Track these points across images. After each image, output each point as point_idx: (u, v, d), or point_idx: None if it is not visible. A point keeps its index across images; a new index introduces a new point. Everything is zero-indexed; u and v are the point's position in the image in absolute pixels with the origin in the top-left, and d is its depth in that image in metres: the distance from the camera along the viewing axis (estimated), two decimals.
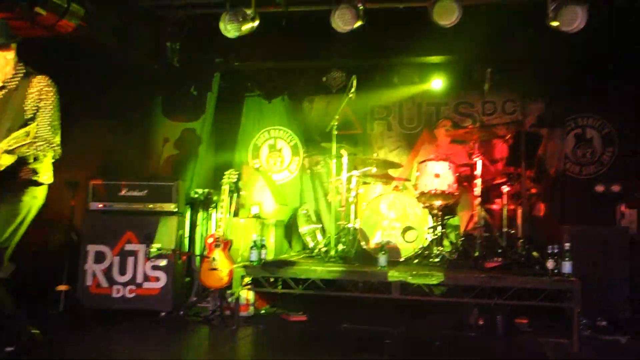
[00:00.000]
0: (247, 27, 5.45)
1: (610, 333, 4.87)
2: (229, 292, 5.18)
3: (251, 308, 5.52)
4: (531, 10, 5.48)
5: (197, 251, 6.24)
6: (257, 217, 6.67)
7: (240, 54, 6.91)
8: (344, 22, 5.27)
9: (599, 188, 6.71)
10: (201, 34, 6.38)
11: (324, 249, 6.07)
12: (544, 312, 5.10)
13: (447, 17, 5.10)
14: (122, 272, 5.62)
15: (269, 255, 5.67)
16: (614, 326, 4.99)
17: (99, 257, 5.64)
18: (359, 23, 5.29)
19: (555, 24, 5.08)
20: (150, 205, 5.74)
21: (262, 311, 5.77)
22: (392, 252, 5.56)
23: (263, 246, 5.17)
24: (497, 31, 5.94)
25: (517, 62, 6.76)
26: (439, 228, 5.85)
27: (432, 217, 5.85)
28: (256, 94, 7.80)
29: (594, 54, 6.43)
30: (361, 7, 5.27)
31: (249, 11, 5.41)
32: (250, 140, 8.07)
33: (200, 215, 6.48)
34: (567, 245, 4.63)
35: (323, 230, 7.24)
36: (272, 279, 5.21)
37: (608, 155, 7.03)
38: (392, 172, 6.80)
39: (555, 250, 4.66)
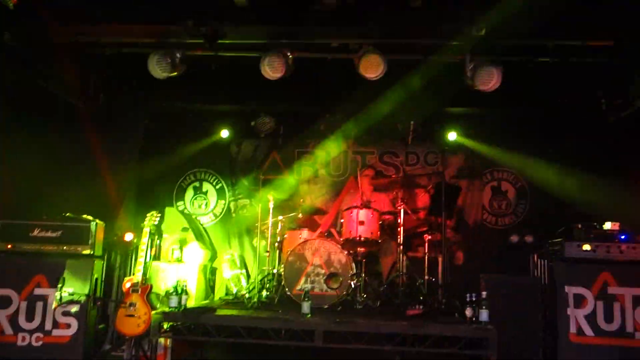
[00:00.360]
0: (176, 69, 5.43)
1: None
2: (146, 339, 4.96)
3: (169, 356, 5.29)
4: (453, 68, 5.79)
5: (114, 296, 5.95)
6: (178, 261, 6.48)
7: (168, 94, 6.83)
8: (273, 69, 5.35)
9: (514, 238, 7.03)
10: (130, 73, 6.28)
11: (247, 295, 5.96)
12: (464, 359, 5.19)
13: (372, 70, 5.29)
14: (30, 318, 5.23)
15: (190, 301, 5.49)
16: None
17: (4, 302, 5.24)
18: (287, 71, 5.38)
19: (472, 82, 5.39)
20: (64, 247, 5.43)
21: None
22: (316, 298, 5.53)
23: (184, 291, 5.00)
24: (421, 86, 6.21)
25: (439, 116, 7.08)
26: (363, 275, 5.90)
27: (356, 263, 5.90)
28: (183, 135, 7.68)
29: (508, 113, 6.85)
30: (290, 56, 5.38)
31: (178, 53, 5.40)
32: (176, 182, 7.91)
33: (119, 258, 6.22)
34: (484, 293, 4.78)
35: (247, 276, 7.12)
36: (192, 326, 5.02)
37: (522, 207, 7.40)
38: (317, 218, 6.85)
39: (473, 299, 4.79)
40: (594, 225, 5.14)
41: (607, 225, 5.15)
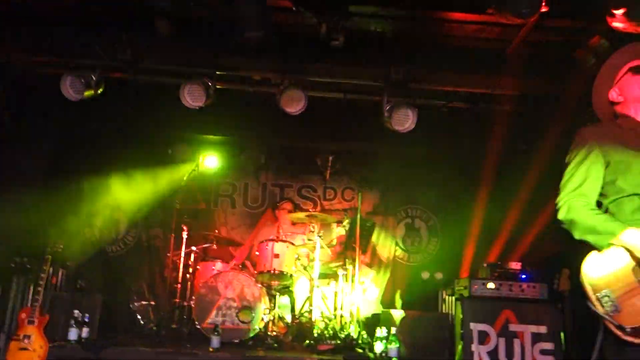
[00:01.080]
0: (90, 91, 5.24)
1: None
2: None
3: None
4: (370, 107, 5.98)
5: (6, 328, 5.52)
6: (82, 290, 6.14)
7: (83, 118, 6.57)
8: (193, 98, 5.30)
9: (424, 275, 7.25)
10: (41, 93, 6.00)
11: (155, 328, 5.73)
12: None
13: (293, 105, 5.37)
14: None
15: (93, 333, 5.18)
16: None
17: None
18: (208, 101, 5.35)
19: (389, 122, 5.58)
20: None
21: None
22: (227, 332, 5.41)
23: (85, 323, 4.74)
24: (341, 123, 6.35)
25: (358, 152, 7.26)
26: (276, 309, 5.84)
27: (270, 297, 5.84)
28: (98, 162, 7.36)
29: (423, 154, 7.14)
30: (212, 86, 5.36)
31: (94, 75, 5.23)
32: (87, 209, 7.54)
33: (15, 286, 5.80)
34: (393, 329, 4.86)
35: (157, 307, 6.85)
36: None
37: (433, 245, 7.65)
38: (232, 249, 6.75)
39: (384, 334, 4.86)
40: (499, 264, 5.38)
41: (511, 264, 5.41)
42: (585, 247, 2.43)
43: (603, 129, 2.53)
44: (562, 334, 4.97)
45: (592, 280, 2.24)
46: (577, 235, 2.38)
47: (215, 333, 4.83)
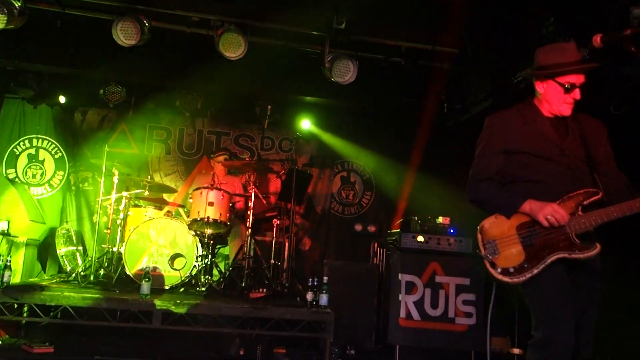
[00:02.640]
0: (13, 20, 4.87)
1: None
2: None
3: None
4: (313, 57, 5.89)
5: None
6: (3, 233, 5.88)
7: (4, 49, 6.13)
8: (126, 36, 5.04)
9: (358, 227, 7.40)
10: None
11: (82, 273, 5.60)
12: (302, 342, 5.35)
13: (233, 49, 5.21)
14: None
15: (15, 277, 5.01)
16: (362, 355, 5.44)
17: None
18: (142, 40, 5.10)
19: (330, 74, 5.53)
20: None
21: (0, 342, 5.04)
22: (157, 279, 5.36)
23: (7, 267, 4.56)
24: (281, 72, 6.23)
25: (297, 103, 7.18)
26: (209, 257, 5.82)
27: (203, 245, 5.80)
28: (19, 96, 6.93)
29: (361, 108, 7.15)
30: (147, 24, 5.10)
31: (17, 3, 4.85)
32: (7, 147, 7.15)
33: None
34: (325, 278, 4.96)
35: (84, 253, 6.68)
36: (15, 305, 4.59)
37: (367, 198, 7.78)
38: (166, 196, 6.61)
39: (315, 283, 4.95)
40: (429, 219, 5.54)
41: (440, 220, 5.59)
42: None
43: (507, 116, 2.84)
44: (483, 286, 5.22)
45: (484, 231, 2.79)
46: (487, 211, 2.84)
47: (146, 279, 4.76)
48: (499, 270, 2.66)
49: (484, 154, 2.86)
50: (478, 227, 2.81)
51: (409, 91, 6.94)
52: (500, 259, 2.68)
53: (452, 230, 5.43)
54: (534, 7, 4.65)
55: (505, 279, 2.64)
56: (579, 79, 2.67)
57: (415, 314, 5.17)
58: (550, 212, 2.56)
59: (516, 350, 5.18)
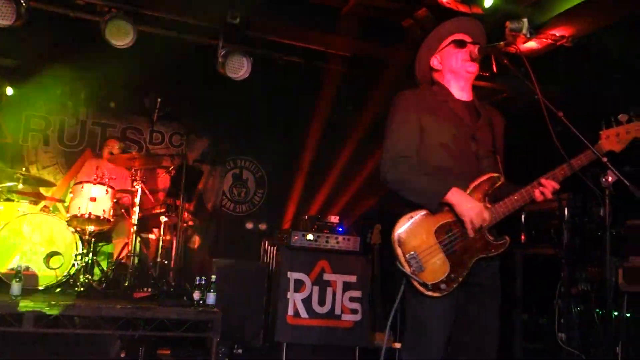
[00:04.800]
0: None
1: None
2: None
3: None
4: (206, 51, 5.76)
5: None
6: None
7: None
8: (0, 15, 4.64)
9: (249, 225, 7.36)
10: None
11: None
12: (188, 343, 5.22)
13: (120, 37, 4.97)
14: None
15: None
16: (249, 353, 5.40)
17: None
18: (20, 21, 4.73)
19: (222, 69, 5.45)
20: None
21: None
22: (30, 279, 4.98)
23: None
24: (173, 64, 6.05)
25: (188, 97, 7.00)
26: (90, 255, 5.51)
27: (83, 243, 5.48)
28: None
29: (254, 103, 7.13)
30: (24, 4, 4.73)
31: None
32: None
33: None
34: (213, 277, 4.87)
35: None
36: None
37: (259, 196, 7.75)
38: (43, 190, 6.17)
39: (202, 282, 4.85)
40: (318, 217, 5.63)
41: (330, 218, 5.69)
42: (397, 203, 2.60)
43: (419, 95, 2.66)
44: (369, 283, 5.39)
45: (402, 242, 2.42)
46: (406, 196, 2.49)
47: (17, 280, 4.40)
48: (430, 286, 2.37)
49: (400, 129, 2.54)
50: (394, 238, 2.43)
51: (304, 90, 7.03)
52: (428, 274, 2.38)
53: (340, 229, 5.55)
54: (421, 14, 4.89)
55: (437, 294, 2.38)
56: (464, 36, 2.65)
57: (302, 312, 5.22)
58: (476, 217, 2.38)
59: (398, 345, 5.40)
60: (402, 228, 2.43)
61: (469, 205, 2.39)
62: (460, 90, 2.69)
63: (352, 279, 5.39)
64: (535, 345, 5.58)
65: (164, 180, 7.00)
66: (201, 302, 4.77)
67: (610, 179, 2.32)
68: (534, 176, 2.46)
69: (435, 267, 2.39)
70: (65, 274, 5.24)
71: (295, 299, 5.22)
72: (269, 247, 6.21)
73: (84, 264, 5.40)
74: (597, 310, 4.87)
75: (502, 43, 2.49)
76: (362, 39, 5.30)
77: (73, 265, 5.30)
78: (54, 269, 5.18)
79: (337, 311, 5.30)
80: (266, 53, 5.95)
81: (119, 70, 5.93)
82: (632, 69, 5.31)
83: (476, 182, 2.48)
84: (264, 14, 4.90)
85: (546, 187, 2.44)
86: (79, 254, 5.37)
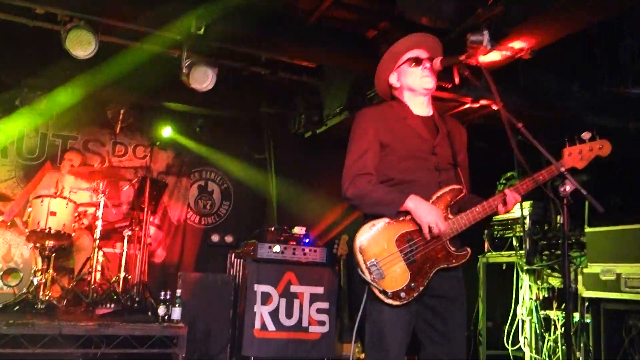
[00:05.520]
0: None
1: None
2: None
3: None
4: (171, 61, 5.70)
5: None
6: None
7: None
8: None
9: (215, 238, 7.27)
10: None
11: None
12: (153, 359, 5.11)
13: (82, 48, 4.87)
14: None
15: None
16: None
17: None
18: None
19: (187, 79, 5.40)
20: None
21: None
22: None
23: None
24: (136, 74, 5.97)
25: (153, 109, 6.91)
26: (50, 271, 5.36)
27: (43, 258, 5.32)
28: None
29: (220, 115, 7.09)
30: None
31: None
32: None
33: None
34: (178, 291, 4.80)
35: None
36: None
37: (225, 208, 7.67)
38: (1, 204, 5.99)
39: (168, 297, 4.77)
40: (285, 229, 5.61)
41: (296, 230, 5.68)
42: (361, 216, 2.63)
43: (379, 112, 2.72)
44: (336, 294, 5.39)
45: (364, 250, 2.45)
46: (366, 209, 2.56)
47: None
48: (390, 294, 2.40)
49: (359, 147, 2.61)
50: (355, 245, 2.46)
51: (270, 101, 7.02)
52: (387, 282, 2.41)
53: (307, 240, 5.54)
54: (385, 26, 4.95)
55: (396, 302, 2.41)
56: (420, 52, 2.70)
57: (270, 325, 5.19)
58: (434, 222, 2.42)
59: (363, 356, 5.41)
60: (364, 236, 2.47)
61: (426, 211, 2.45)
62: (420, 106, 2.75)
63: (319, 290, 5.39)
64: (500, 352, 5.66)
65: (127, 193, 6.87)
66: (166, 317, 4.70)
67: (568, 188, 2.37)
68: (495, 185, 2.51)
69: (396, 275, 2.42)
70: (24, 291, 5.08)
71: (262, 312, 5.19)
72: (235, 259, 6.16)
73: (43, 281, 5.25)
74: (558, 316, 4.97)
75: (463, 55, 2.54)
76: (327, 50, 5.32)
77: (32, 282, 5.14)
78: (12, 286, 5.02)
79: (305, 323, 5.29)
80: (231, 64, 5.92)
81: (80, 80, 5.82)
82: (589, 80, 5.49)
83: (438, 194, 2.53)
84: (229, 25, 4.86)
85: (509, 200, 2.50)
86: (39, 270, 5.22)
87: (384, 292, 2.41)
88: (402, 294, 2.42)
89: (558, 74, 5.57)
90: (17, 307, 5.03)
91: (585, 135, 2.55)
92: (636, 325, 4.22)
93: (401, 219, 2.49)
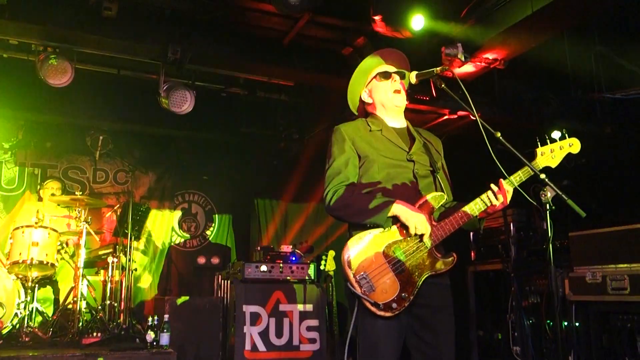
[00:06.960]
0: None
1: None
2: None
3: None
4: (148, 86, 5.69)
5: None
6: None
7: None
8: None
9: (201, 260, 7.21)
10: None
11: None
12: None
13: (58, 76, 4.83)
14: None
15: None
16: None
17: None
18: None
19: (165, 103, 5.39)
20: None
21: None
22: None
23: None
24: (115, 100, 5.96)
25: (132, 133, 6.88)
26: (34, 302, 5.27)
27: (26, 290, 5.23)
28: None
29: (200, 137, 7.08)
30: None
31: None
32: None
33: None
34: (166, 316, 4.74)
35: None
36: None
37: (210, 230, 7.63)
38: None
39: (155, 322, 4.72)
40: (272, 248, 5.59)
41: (283, 248, 5.66)
42: (347, 231, 2.63)
43: (354, 127, 2.74)
44: (326, 310, 5.36)
45: (352, 264, 2.44)
46: (351, 219, 2.56)
47: None
48: (382, 306, 2.40)
49: (338, 160, 2.63)
50: (343, 260, 2.45)
51: (249, 121, 7.02)
52: (378, 294, 2.41)
53: (294, 258, 5.52)
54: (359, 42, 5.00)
55: (388, 314, 2.42)
56: (387, 67, 2.76)
57: (260, 345, 5.14)
58: (421, 222, 2.45)
59: None
60: (351, 250, 2.46)
61: (413, 212, 2.48)
62: (393, 119, 2.79)
63: (309, 307, 5.36)
64: None
65: (110, 219, 6.81)
66: (155, 343, 4.64)
67: (549, 194, 2.40)
68: (477, 193, 2.54)
69: (386, 286, 2.43)
70: (8, 324, 4.99)
71: (252, 333, 5.14)
72: (223, 281, 6.11)
73: (27, 313, 5.16)
74: (548, 321, 4.99)
75: (438, 68, 2.57)
76: (304, 69, 5.35)
77: (16, 314, 5.05)
78: None
79: (295, 342, 5.24)
80: (209, 86, 5.93)
81: (58, 109, 5.78)
82: (563, 87, 5.59)
83: (420, 201, 2.55)
84: (204, 47, 4.88)
85: (498, 195, 2.53)
86: (22, 302, 5.13)
87: (376, 305, 2.40)
88: (394, 305, 2.42)
89: (532, 82, 5.67)
90: (0, 341, 4.93)
91: (555, 134, 2.61)
92: (625, 327, 4.26)
93: (386, 229, 2.51)
